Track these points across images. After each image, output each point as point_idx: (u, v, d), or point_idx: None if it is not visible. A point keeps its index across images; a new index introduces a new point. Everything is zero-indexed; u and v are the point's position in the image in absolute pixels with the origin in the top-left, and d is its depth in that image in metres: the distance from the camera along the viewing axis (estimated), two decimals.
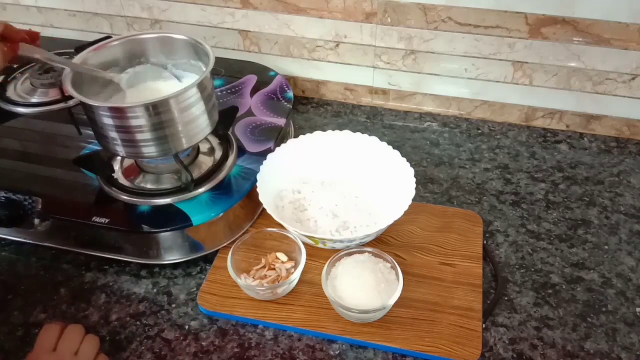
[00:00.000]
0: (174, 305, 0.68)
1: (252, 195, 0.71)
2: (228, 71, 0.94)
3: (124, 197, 0.71)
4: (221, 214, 0.69)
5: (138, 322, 0.66)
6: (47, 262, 0.73)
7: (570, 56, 0.86)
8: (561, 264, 0.72)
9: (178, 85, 0.73)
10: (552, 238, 0.75)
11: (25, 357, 0.58)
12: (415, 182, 0.71)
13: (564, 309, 0.67)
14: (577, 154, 0.90)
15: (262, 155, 0.76)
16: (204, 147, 0.78)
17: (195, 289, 0.69)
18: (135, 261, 0.71)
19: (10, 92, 0.90)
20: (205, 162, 0.76)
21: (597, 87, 0.88)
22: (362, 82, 0.99)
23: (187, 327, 0.65)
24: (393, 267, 0.66)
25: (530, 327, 0.65)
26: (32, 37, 0.72)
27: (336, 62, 0.98)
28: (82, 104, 0.64)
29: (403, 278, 0.64)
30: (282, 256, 0.70)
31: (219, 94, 0.90)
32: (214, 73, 0.75)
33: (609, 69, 0.86)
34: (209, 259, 0.72)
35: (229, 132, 0.80)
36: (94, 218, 0.68)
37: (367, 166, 0.77)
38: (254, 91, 0.90)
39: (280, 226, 0.69)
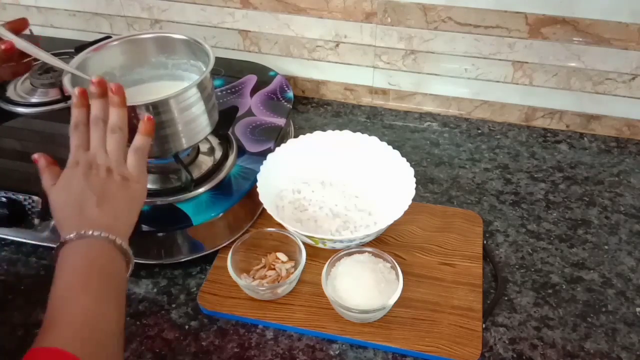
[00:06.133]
0: (174, 305, 0.68)
1: (252, 195, 0.71)
2: (228, 71, 0.94)
3: None
4: (221, 214, 0.69)
5: (138, 322, 0.66)
6: (47, 262, 0.73)
7: (570, 56, 0.86)
8: (561, 264, 0.72)
9: (178, 85, 0.73)
10: (552, 238, 0.75)
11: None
12: (415, 182, 0.71)
13: (564, 309, 0.67)
14: (577, 154, 0.90)
15: (262, 155, 0.76)
16: (204, 147, 0.78)
17: (195, 289, 0.69)
18: (135, 261, 0.71)
19: (10, 92, 0.89)
20: (205, 162, 0.76)
21: (597, 87, 0.88)
22: (362, 82, 0.99)
23: (187, 327, 0.65)
24: (393, 267, 0.66)
25: (530, 327, 0.65)
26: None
27: (336, 62, 0.98)
28: None
29: (403, 278, 0.64)
30: (282, 256, 0.70)
31: (219, 94, 0.89)
32: (214, 73, 0.74)
33: (609, 69, 0.86)
34: (209, 259, 0.72)
35: (229, 132, 0.80)
36: None
37: (367, 166, 0.77)
38: (254, 91, 0.90)
39: (280, 226, 0.69)
